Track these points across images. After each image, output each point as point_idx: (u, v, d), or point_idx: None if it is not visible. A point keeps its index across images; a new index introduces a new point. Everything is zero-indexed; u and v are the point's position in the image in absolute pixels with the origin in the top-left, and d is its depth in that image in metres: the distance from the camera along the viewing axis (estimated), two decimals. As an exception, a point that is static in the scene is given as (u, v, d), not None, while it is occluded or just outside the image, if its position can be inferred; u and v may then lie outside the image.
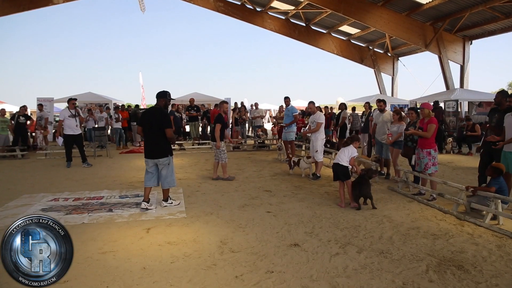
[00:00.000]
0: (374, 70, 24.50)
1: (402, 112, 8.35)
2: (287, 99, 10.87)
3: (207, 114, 15.75)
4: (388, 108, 12.67)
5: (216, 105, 16.05)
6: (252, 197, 6.61)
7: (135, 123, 15.19)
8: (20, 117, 13.08)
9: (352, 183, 6.04)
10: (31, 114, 14.97)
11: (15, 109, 15.20)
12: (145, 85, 24.48)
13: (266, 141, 14.97)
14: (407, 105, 20.04)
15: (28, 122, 13.75)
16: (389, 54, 23.65)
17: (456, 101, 15.40)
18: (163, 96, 5.93)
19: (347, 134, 13.01)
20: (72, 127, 9.92)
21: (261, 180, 8.18)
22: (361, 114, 12.24)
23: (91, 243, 4.39)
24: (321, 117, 8.74)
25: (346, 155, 6.14)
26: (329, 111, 15.33)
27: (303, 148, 12.61)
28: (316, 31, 23.48)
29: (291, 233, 4.76)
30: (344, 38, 23.90)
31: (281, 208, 5.90)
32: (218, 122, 7.92)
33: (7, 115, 13.82)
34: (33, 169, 9.96)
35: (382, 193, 6.95)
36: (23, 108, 13.55)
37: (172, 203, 6.05)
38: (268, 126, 18.93)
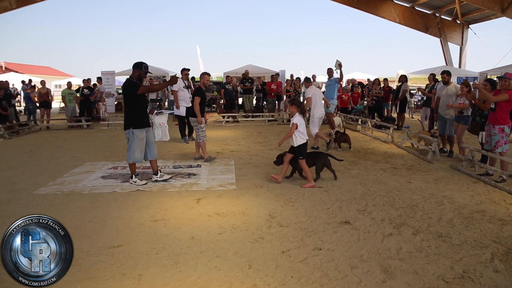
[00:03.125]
0: (440, 40, 22.63)
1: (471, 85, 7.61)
2: (330, 70, 10.30)
3: (264, 86, 15.61)
4: (454, 80, 11.69)
5: (272, 76, 15.77)
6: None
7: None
8: (85, 89, 13.88)
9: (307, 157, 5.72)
10: (96, 87, 15.77)
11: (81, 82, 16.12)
12: (202, 56, 24.68)
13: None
14: (476, 77, 18.43)
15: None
16: (458, 22, 21.67)
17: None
18: (137, 67, 5.57)
19: (407, 109, 12.27)
20: (186, 99, 9.20)
21: (313, 155, 7.98)
22: (424, 87, 11.43)
23: (144, 211, 4.56)
24: (308, 92, 8.69)
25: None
26: (388, 83, 14.48)
27: (359, 122, 12.09)
28: (377, -3, 22.07)
29: (342, 210, 4.59)
30: (407, 5, 22.21)
31: (333, 184, 5.71)
32: (197, 95, 7.16)
33: (74, 88, 14.71)
34: (96, 138, 10.58)
35: (443, 172, 6.48)
36: (87, 81, 14.32)
37: (135, 181, 5.65)
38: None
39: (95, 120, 14.07)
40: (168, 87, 15.25)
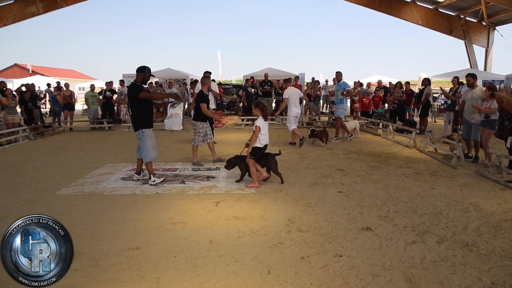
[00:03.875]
0: (465, 42, 22.10)
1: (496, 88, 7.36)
2: (338, 74, 10.31)
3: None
4: (479, 83, 11.38)
5: (285, 81, 15.72)
6: (323, 176, 6.39)
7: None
8: (107, 92, 14.16)
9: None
10: (118, 89, 16.06)
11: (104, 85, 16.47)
12: (222, 59, 24.95)
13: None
14: (503, 80, 17.88)
15: (115, 96, 14.87)
16: (484, 23, 21.11)
17: None
18: (141, 71, 5.80)
19: (430, 113, 11.97)
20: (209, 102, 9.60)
21: (334, 158, 7.88)
22: (448, 90, 11.12)
23: (163, 213, 4.57)
24: (285, 93, 9.48)
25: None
26: (410, 87, 14.18)
27: (380, 126, 11.88)
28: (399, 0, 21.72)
29: (363, 215, 4.49)
30: (431, 7, 21.81)
31: (353, 189, 5.61)
32: (202, 101, 7.08)
33: (97, 90, 15.02)
34: (117, 140, 10.74)
35: (468, 178, 6.27)
36: (109, 83, 14.59)
37: (154, 181, 5.79)
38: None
39: (117, 122, 14.32)
40: (189, 89, 15.44)
